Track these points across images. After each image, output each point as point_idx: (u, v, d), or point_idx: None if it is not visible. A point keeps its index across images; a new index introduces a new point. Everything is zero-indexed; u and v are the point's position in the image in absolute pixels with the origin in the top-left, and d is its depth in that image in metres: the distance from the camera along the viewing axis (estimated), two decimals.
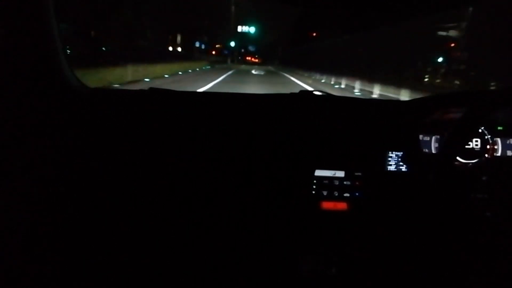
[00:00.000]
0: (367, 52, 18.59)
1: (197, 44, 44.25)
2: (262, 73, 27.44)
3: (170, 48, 33.89)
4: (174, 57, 22.56)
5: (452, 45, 15.76)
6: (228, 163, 1.25)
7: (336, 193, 1.23)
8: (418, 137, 1.26)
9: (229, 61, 49.51)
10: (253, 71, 29.00)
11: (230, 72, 24.44)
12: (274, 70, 36.27)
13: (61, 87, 1.20)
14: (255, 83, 15.53)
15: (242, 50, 78.42)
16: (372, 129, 1.26)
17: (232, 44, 54.55)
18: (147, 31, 22.90)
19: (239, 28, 53.27)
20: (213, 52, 54.13)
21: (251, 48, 76.34)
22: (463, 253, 1.04)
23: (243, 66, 43.42)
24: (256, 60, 72.42)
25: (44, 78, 1.16)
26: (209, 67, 31.14)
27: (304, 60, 31.28)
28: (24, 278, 1.18)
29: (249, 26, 52.42)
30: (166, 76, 15.80)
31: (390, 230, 1.26)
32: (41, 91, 1.16)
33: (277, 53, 56.04)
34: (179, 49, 37.41)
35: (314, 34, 36.43)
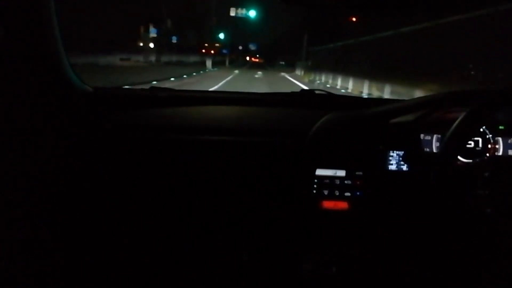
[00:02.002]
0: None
1: (154, 33, 27.59)
2: None
3: (141, 44, 28.74)
4: None
5: None
6: (229, 161, 1.27)
7: (337, 193, 1.24)
8: (419, 136, 1.27)
9: (209, 64, 28.67)
10: None
11: None
12: None
13: (63, 87, 1.24)
14: None
15: (240, 48, 63.52)
16: (373, 128, 1.28)
17: (221, 36, 37.41)
18: None
19: (232, 12, 34.29)
20: (212, 51, 44.39)
21: (251, 46, 62.17)
22: (464, 253, 1.07)
23: (234, 75, 21.67)
24: (257, 60, 59.10)
25: (46, 78, 1.19)
26: None
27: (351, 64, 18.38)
28: (24, 279, 1.22)
29: (248, 10, 33.90)
30: None
31: (390, 229, 1.28)
32: (43, 91, 1.19)
33: (301, 52, 36.38)
34: (152, 45, 30.60)
35: (354, 19, 25.36)
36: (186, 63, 29.88)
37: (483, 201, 0.97)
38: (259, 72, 26.34)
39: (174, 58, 32.46)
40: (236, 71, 26.31)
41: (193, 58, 33.95)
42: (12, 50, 1.09)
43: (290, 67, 39.08)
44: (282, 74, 26.86)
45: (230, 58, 41.65)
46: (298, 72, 27.47)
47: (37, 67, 1.14)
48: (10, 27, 1.06)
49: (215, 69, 27.05)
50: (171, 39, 36.89)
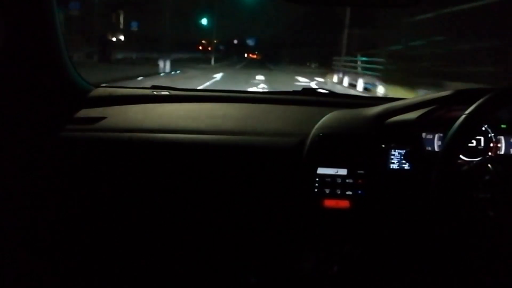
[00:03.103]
0: None
1: (76, 8, 16.40)
2: None
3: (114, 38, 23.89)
4: None
5: None
6: (230, 160, 1.29)
7: (338, 191, 1.25)
8: (421, 135, 1.27)
9: (163, 63, 14.79)
10: None
11: None
12: None
13: (65, 85, 1.25)
14: None
15: (236, 42, 52.48)
16: (375, 127, 1.28)
17: (205, 22, 26.38)
18: None
19: None
20: (209, 48, 38.86)
21: (249, 42, 51.82)
22: (466, 254, 1.08)
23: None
24: (254, 56, 53.73)
25: (48, 77, 1.20)
26: None
27: None
28: (24, 279, 1.23)
29: None
30: None
31: (392, 228, 1.29)
32: (45, 89, 1.19)
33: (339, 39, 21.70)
34: (122, 37, 26.07)
35: None
36: (140, 61, 18.74)
37: (485, 203, 0.98)
38: (260, 79, 14.61)
39: (133, 53, 21.69)
40: (217, 77, 14.73)
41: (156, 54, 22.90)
42: (14, 49, 1.10)
43: (302, 66, 28.01)
44: (301, 79, 15.13)
45: (218, 54, 30.57)
46: (338, 77, 14.36)
47: (39, 65, 1.16)
48: (12, 26, 1.08)
49: (177, 72, 15.40)
50: (130, 26, 25.75)
